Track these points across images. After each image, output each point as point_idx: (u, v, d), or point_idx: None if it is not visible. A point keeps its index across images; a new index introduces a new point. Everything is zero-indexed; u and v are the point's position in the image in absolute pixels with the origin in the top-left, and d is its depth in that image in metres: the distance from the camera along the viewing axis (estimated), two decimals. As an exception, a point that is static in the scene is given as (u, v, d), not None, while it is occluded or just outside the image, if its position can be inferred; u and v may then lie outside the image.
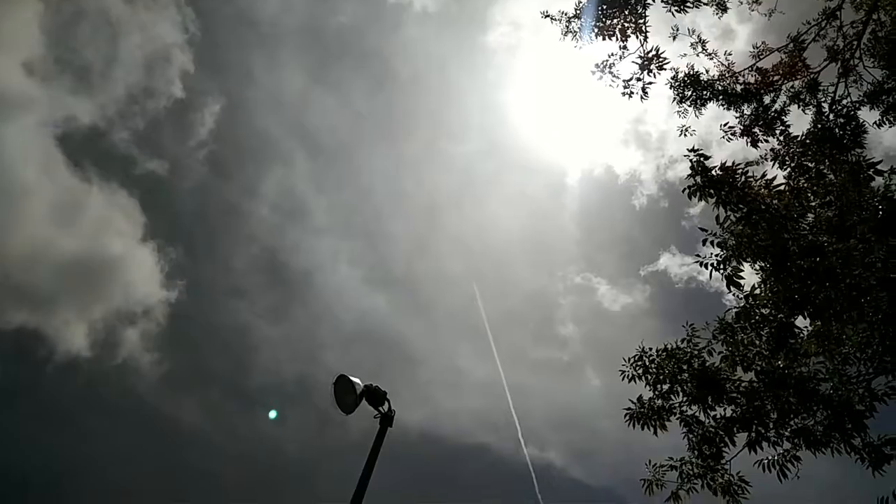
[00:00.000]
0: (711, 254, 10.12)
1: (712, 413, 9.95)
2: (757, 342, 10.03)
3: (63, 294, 34.26)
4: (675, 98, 16.01)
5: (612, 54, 15.31)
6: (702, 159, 10.29)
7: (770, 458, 9.56)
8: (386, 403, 7.18)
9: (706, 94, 15.79)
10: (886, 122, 13.41)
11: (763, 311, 10.05)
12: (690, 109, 15.90)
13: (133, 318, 34.17)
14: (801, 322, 10.15)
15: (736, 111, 15.36)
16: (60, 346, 30.51)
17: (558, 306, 41.80)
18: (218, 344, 35.75)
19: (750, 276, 10.35)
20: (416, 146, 43.80)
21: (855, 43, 14.14)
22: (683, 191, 10.46)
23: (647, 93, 14.97)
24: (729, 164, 10.31)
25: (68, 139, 34.14)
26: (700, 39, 15.82)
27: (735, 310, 10.20)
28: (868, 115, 13.56)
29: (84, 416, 29.42)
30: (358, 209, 42.80)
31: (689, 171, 10.30)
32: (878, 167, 10.35)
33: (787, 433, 9.55)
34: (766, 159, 14.40)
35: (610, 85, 15.51)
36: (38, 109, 34.15)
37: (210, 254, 39.02)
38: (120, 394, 31.65)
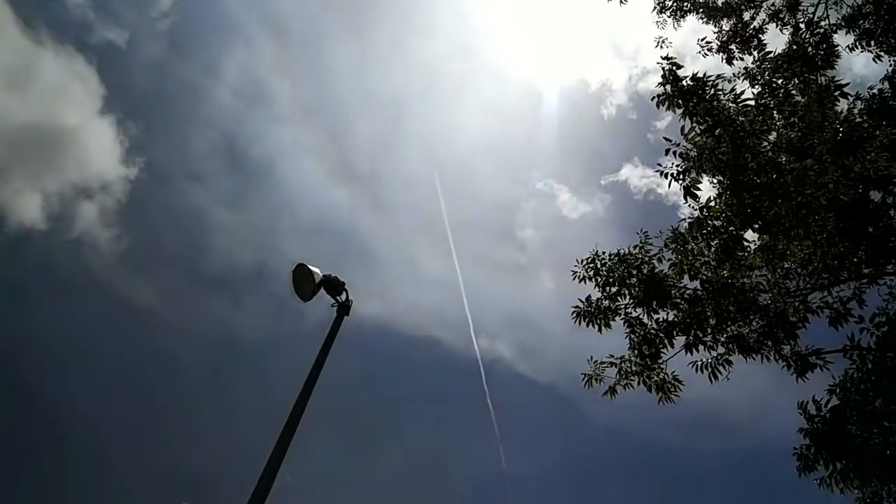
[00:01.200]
0: (673, 164, 10.31)
1: (655, 316, 10.43)
2: (706, 252, 10.40)
3: (15, 162, 32.62)
4: (655, 7, 15.70)
5: (597, -48, 14.79)
6: (674, 68, 10.25)
7: (704, 360, 10.13)
8: (344, 293, 7.24)
9: (687, 6, 15.52)
10: (859, 47, 13.42)
11: (715, 222, 10.36)
12: (669, 20, 15.68)
13: (90, 193, 33.05)
14: (750, 236, 10.56)
15: (715, 25, 15.18)
16: (13, 217, 29.52)
17: (519, 210, 42.10)
18: (176, 226, 35.10)
19: (707, 190, 10.62)
20: (385, 39, 42.04)
21: (841, -38, 13.86)
22: (653, 99, 10.48)
23: (628, -6, 14.62)
24: (700, 75, 10.33)
25: (18, -2, 31.48)
26: (688, -54, 15.33)
27: (688, 220, 10.50)
28: (843, 40, 13.52)
29: (37, 290, 28.87)
30: (322, 100, 41.38)
31: (661, 80, 10.28)
32: (845, 90, 10.47)
33: (722, 339, 10.10)
34: (738, 77, 14.37)
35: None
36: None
37: (169, 134, 37.55)
38: (75, 269, 31.07)
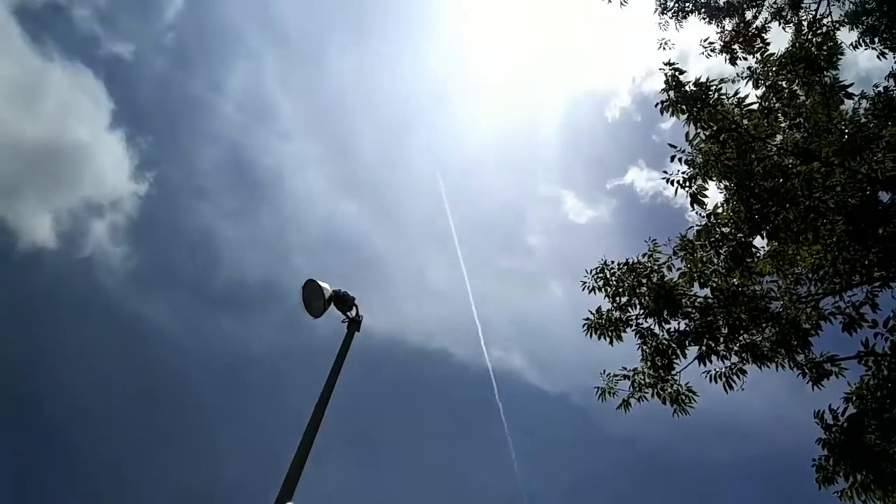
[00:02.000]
0: (678, 171, 10.25)
1: (667, 326, 10.31)
2: (715, 260, 10.31)
3: (25, 181, 32.62)
4: (657, 8, 15.65)
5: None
6: (676, 74, 10.19)
7: (718, 370, 9.99)
8: (354, 308, 7.20)
9: (689, 6, 15.45)
10: (863, 44, 13.32)
11: (723, 229, 10.28)
12: (672, 22, 15.62)
13: (100, 210, 33.02)
14: (759, 242, 10.47)
15: (717, 26, 15.13)
16: (24, 236, 29.55)
17: (525, 217, 42.06)
18: (186, 243, 35.15)
19: (714, 195, 10.54)
20: (387, 49, 42.06)
21: (843, -42, 13.78)
22: (656, 105, 10.42)
23: (629, -5, 14.60)
24: (703, 80, 10.27)
25: (25, 12, 31.52)
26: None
27: (696, 227, 10.42)
28: (847, 37, 13.45)
29: (49, 310, 28.90)
30: (326, 112, 41.40)
31: (663, 86, 10.22)
32: (849, 90, 10.38)
33: (735, 347, 9.96)
34: (741, 77, 14.31)
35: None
36: (-10, -22, 31.20)
37: (177, 149, 37.64)
38: (87, 288, 31.05)
